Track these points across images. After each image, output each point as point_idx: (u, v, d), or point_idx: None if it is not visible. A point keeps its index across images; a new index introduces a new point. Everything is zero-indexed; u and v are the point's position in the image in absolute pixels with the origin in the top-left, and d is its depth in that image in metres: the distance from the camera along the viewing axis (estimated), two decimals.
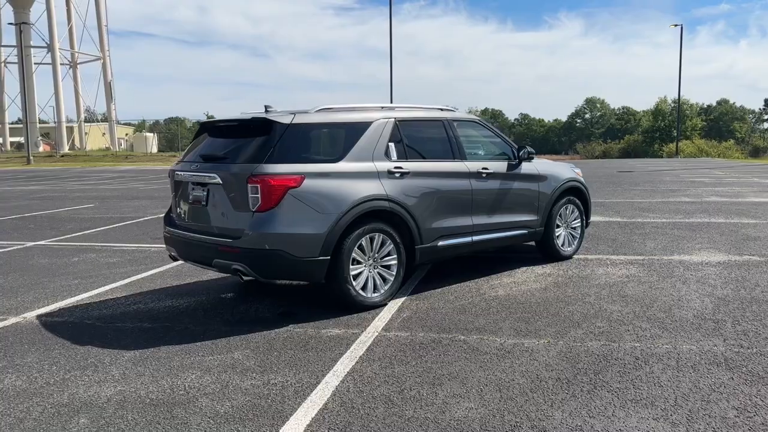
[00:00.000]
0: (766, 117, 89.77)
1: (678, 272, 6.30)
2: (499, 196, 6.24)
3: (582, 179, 7.29)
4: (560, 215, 6.93)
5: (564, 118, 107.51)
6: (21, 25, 50.67)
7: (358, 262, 5.11)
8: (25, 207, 14.51)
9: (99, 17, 65.40)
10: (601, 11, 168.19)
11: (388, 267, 5.32)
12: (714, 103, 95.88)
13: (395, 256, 5.33)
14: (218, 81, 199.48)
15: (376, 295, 5.21)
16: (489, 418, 3.18)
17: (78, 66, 66.57)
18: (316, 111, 5.27)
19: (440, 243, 5.68)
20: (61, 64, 61.62)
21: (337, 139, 5.35)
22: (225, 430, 3.13)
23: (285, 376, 3.79)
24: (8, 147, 64.24)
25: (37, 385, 3.74)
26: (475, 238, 6.04)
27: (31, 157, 48.17)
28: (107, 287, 6.22)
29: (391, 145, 5.43)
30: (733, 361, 3.87)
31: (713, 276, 6.10)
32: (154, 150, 65.64)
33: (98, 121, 72.57)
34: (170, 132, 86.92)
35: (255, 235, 4.71)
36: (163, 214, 6.07)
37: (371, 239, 5.16)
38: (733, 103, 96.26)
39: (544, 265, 6.73)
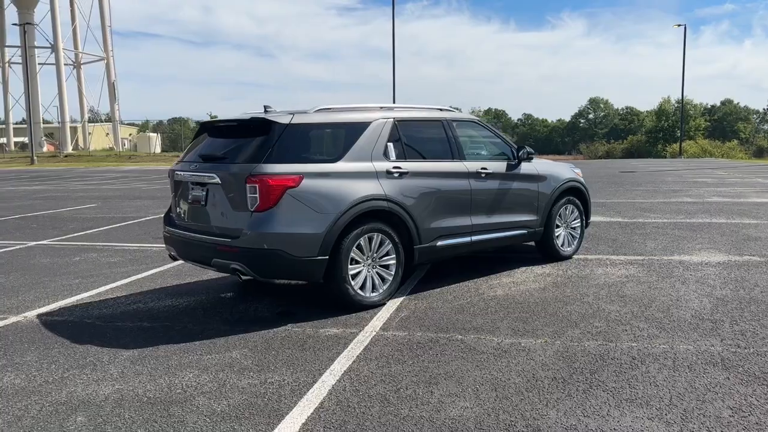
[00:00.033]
0: None
1: (677, 272, 6.30)
2: (498, 196, 6.25)
3: (582, 179, 7.29)
4: (560, 215, 6.94)
5: (567, 119, 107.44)
6: (25, 25, 50.78)
7: (357, 262, 5.12)
8: (28, 207, 14.57)
9: (103, 17, 65.63)
10: (604, 11, 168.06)
11: (386, 267, 5.33)
12: (718, 103, 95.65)
13: (394, 255, 5.34)
14: (222, 81, 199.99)
15: (374, 294, 5.23)
16: (484, 417, 3.19)
17: (82, 66, 66.83)
18: (315, 111, 5.28)
19: (439, 243, 5.69)
20: (65, 64, 61.83)
21: (336, 139, 5.37)
22: (221, 428, 3.14)
23: (282, 375, 3.80)
24: (12, 147, 64.46)
25: (35, 384, 3.77)
26: (474, 238, 6.05)
27: (35, 157, 48.33)
28: (108, 287, 6.25)
29: (390, 145, 5.44)
30: (730, 361, 3.88)
31: (712, 276, 6.10)
32: (158, 150, 65.79)
33: (102, 122, 72.76)
34: (174, 132, 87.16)
35: (253, 234, 4.72)
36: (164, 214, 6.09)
37: (370, 239, 5.17)
38: (737, 103, 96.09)
39: (544, 265, 6.74)
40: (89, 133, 67.26)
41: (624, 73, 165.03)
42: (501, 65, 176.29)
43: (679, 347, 4.13)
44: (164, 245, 5.84)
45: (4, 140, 66.72)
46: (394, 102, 35.79)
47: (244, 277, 4.94)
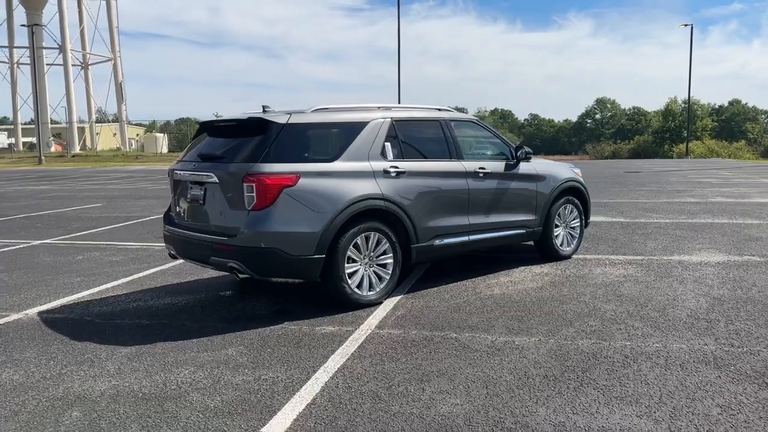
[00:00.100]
0: None
1: (676, 272, 6.30)
2: (496, 196, 6.27)
3: (581, 179, 7.30)
4: (559, 215, 6.95)
5: (574, 119, 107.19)
6: (33, 26, 51.15)
7: (354, 261, 5.15)
8: (34, 206, 14.69)
9: (110, 18, 66.02)
10: (610, 11, 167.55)
11: (383, 266, 5.36)
12: (726, 104, 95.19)
13: (391, 254, 5.37)
14: (230, 82, 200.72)
15: (371, 293, 5.26)
16: (473, 413, 3.21)
17: (89, 67, 67.24)
18: (313, 111, 5.32)
19: (436, 242, 5.72)
20: (72, 65, 62.29)
21: (334, 138, 5.41)
22: (214, 423, 3.18)
23: (276, 372, 3.84)
24: (20, 147, 64.93)
25: (33, 380, 3.82)
26: (472, 237, 6.07)
27: (43, 157, 48.67)
28: (109, 285, 6.31)
29: (388, 144, 5.47)
30: (723, 359, 3.89)
31: (711, 276, 6.10)
32: (165, 150, 66.11)
33: (109, 122, 73.13)
34: (181, 132, 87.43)
35: (250, 233, 4.77)
36: None
37: (367, 238, 5.20)
38: (746, 103, 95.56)
39: (542, 265, 6.75)
40: (96, 134, 67.63)
41: (630, 73, 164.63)
42: (506, 65, 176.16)
43: (673, 346, 4.14)
44: (164, 244, 5.90)
45: (12, 140, 67.27)
46: (399, 102, 35.81)
47: (241, 276, 4.99)
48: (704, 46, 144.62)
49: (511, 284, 5.93)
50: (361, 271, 5.21)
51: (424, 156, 5.84)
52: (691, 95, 47.02)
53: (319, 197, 4.92)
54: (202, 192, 5.15)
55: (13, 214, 12.97)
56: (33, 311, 5.37)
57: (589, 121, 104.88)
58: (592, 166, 31.40)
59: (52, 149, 60.56)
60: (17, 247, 8.83)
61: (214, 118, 5.58)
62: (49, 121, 63.12)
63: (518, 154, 6.53)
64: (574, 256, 7.15)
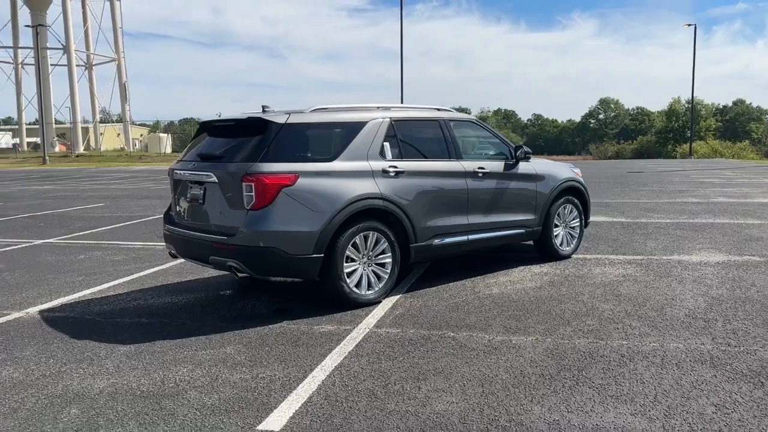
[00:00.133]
0: None
1: (675, 272, 6.30)
2: (495, 196, 6.28)
3: (581, 179, 7.30)
4: (558, 215, 6.95)
5: (577, 119, 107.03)
6: (37, 27, 51.36)
7: (353, 260, 5.17)
8: (37, 206, 14.75)
9: (114, 19, 66.19)
10: (614, 12, 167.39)
11: (382, 265, 5.38)
12: (730, 104, 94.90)
13: (390, 254, 5.38)
14: (233, 82, 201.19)
15: (370, 292, 5.28)
16: (468, 411, 3.23)
17: (93, 67, 67.44)
18: (311, 111, 5.35)
19: (435, 242, 5.74)
20: (76, 65, 62.44)
21: (332, 138, 5.43)
22: (210, 421, 3.21)
23: (274, 371, 3.86)
24: (25, 147, 65.17)
25: (33, 377, 3.85)
26: (471, 237, 6.08)
27: (47, 157, 48.82)
28: (110, 284, 6.35)
29: (386, 144, 5.49)
30: (719, 359, 3.89)
31: (710, 276, 6.10)
32: (168, 150, 66.21)
33: (113, 122, 73.34)
34: (184, 132, 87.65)
35: (249, 232, 4.79)
36: None
37: (365, 237, 5.22)
38: (750, 103, 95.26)
39: (542, 265, 6.76)
40: (100, 134, 67.85)
41: (634, 73, 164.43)
42: (510, 65, 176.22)
43: (669, 345, 4.15)
44: (164, 243, 5.93)
45: (17, 140, 67.47)
46: (402, 102, 35.81)
47: (240, 275, 5.01)
48: (708, 46, 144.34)
49: (510, 284, 5.94)
50: (359, 270, 5.23)
51: (423, 156, 5.86)
52: (694, 95, 47.05)
53: (317, 197, 4.94)
54: (202, 191, 5.17)
55: (17, 214, 13.03)
56: (34, 310, 5.41)
57: (592, 121, 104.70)
58: (595, 166, 31.38)
59: (57, 149, 60.77)
60: (20, 246, 8.88)
61: (214, 118, 5.60)
62: (53, 121, 63.31)
63: (517, 153, 6.54)
64: (574, 256, 7.15)
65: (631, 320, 4.71)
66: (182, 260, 6.17)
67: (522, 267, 6.66)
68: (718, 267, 6.49)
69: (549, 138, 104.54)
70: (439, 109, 6.32)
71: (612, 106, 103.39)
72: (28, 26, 53.01)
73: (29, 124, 69.74)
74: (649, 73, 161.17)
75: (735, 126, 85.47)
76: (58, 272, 6.98)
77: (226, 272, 5.73)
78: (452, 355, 4.05)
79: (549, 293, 5.55)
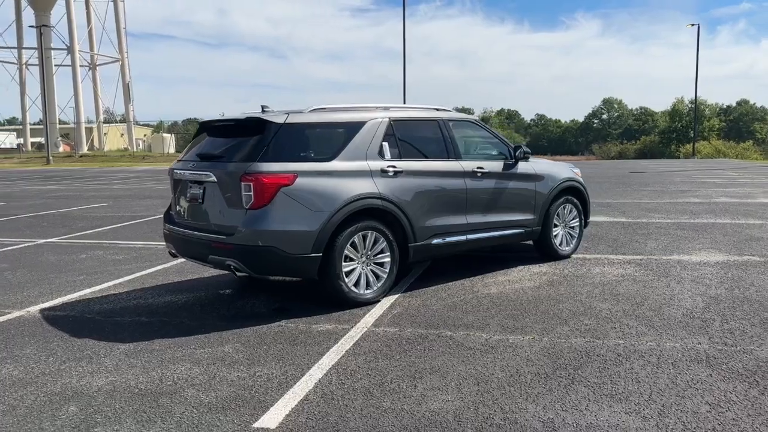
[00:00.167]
0: None
1: (674, 272, 6.30)
2: (494, 196, 6.30)
3: (580, 179, 7.31)
4: (558, 215, 6.96)
5: (581, 119, 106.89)
6: (41, 27, 51.52)
7: (351, 259, 5.19)
8: (40, 205, 14.81)
9: (117, 19, 66.34)
10: (618, 12, 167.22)
11: (381, 264, 5.39)
12: (734, 104, 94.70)
13: (388, 253, 5.40)
14: (237, 83, 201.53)
15: (368, 291, 5.30)
16: (463, 409, 3.25)
17: (97, 68, 67.63)
18: (310, 111, 5.37)
19: (434, 241, 5.75)
20: (80, 65, 62.65)
21: (331, 138, 5.45)
22: (207, 418, 3.23)
23: (271, 369, 3.89)
24: (29, 147, 65.34)
25: (32, 375, 3.88)
26: (470, 236, 6.10)
27: (51, 158, 48.96)
28: (111, 283, 6.38)
29: (385, 144, 5.50)
30: (715, 358, 3.90)
31: (709, 275, 6.10)
32: (172, 150, 66.31)
33: (117, 122, 73.53)
34: (188, 133, 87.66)
35: (248, 231, 4.81)
36: None
37: (364, 237, 5.24)
38: (754, 103, 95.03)
39: (541, 264, 6.77)
40: (104, 134, 68.00)
41: (638, 73, 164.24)
42: (513, 66, 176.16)
43: (666, 345, 4.16)
44: (164, 242, 5.96)
45: (21, 140, 67.71)
46: (404, 102, 35.85)
47: (239, 274, 5.03)
48: (713, 46, 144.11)
49: (509, 283, 5.96)
50: (358, 269, 5.25)
51: (422, 156, 5.87)
52: (698, 95, 46.92)
53: (316, 196, 4.96)
54: (201, 191, 5.20)
55: (20, 214, 13.09)
56: (35, 309, 5.44)
57: (596, 121, 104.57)
58: (598, 167, 31.35)
59: (60, 149, 60.94)
60: (22, 245, 8.92)
61: (213, 118, 5.63)
62: (57, 121, 63.54)
63: (516, 153, 6.55)
64: (574, 256, 7.16)
65: (629, 320, 4.72)
66: (182, 259, 6.20)
67: (521, 267, 6.67)
68: (717, 267, 6.49)
69: (552, 138, 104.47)
70: (438, 109, 6.33)
71: (615, 106, 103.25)
72: (32, 27, 53.27)
73: (33, 124, 70.00)
74: (654, 74, 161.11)
75: (739, 126, 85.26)
76: (59, 271, 7.01)
77: (226, 271, 5.76)
78: (449, 354, 4.06)
79: (547, 293, 5.57)
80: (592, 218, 8.73)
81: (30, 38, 63.51)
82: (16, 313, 5.31)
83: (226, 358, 4.11)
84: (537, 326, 4.61)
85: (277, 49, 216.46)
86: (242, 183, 4.82)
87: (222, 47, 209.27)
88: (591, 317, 4.80)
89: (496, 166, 6.38)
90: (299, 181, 4.91)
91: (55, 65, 63.46)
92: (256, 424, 3.15)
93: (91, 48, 65.86)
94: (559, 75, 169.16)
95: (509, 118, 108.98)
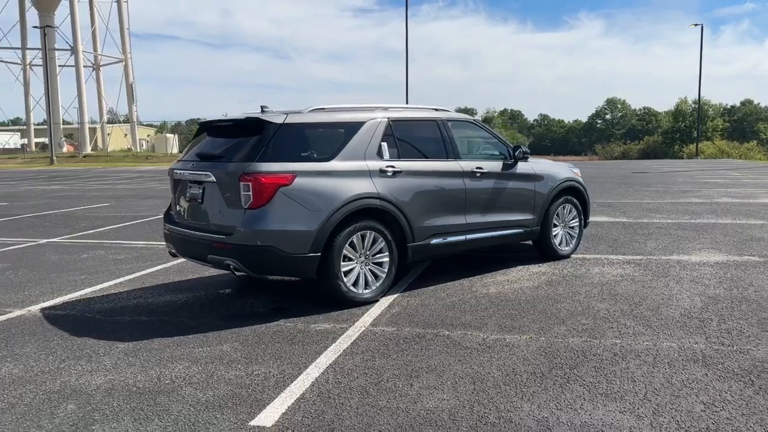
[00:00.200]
0: None
1: (673, 272, 6.31)
2: (493, 196, 6.31)
3: (580, 179, 7.32)
4: (557, 215, 6.97)
5: (584, 119, 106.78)
6: (45, 28, 51.64)
7: (350, 259, 5.21)
8: (43, 205, 14.87)
9: (121, 20, 66.61)
10: (621, 12, 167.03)
11: (379, 264, 5.41)
12: (738, 104, 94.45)
13: (387, 253, 5.42)
14: (240, 83, 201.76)
15: (367, 291, 5.32)
16: (458, 408, 3.26)
17: (101, 68, 67.90)
18: (309, 111, 5.39)
19: (433, 241, 5.77)
20: (84, 66, 62.83)
21: (330, 138, 5.47)
22: (204, 416, 3.25)
23: (268, 368, 3.91)
24: (33, 148, 65.60)
25: (32, 373, 3.91)
26: (469, 236, 6.11)
27: (55, 158, 49.13)
28: (111, 282, 6.41)
29: (384, 144, 5.52)
30: (711, 358, 3.91)
31: (708, 276, 6.10)
32: (175, 151, 66.49)
33: (120, 123, 73.74)
34: (191, 133, 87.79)
35: (247, 231, 4.84)
36: None
37: (362, 237, 5.26)
38: (758, 103, 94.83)
39: (541, 264, 6.78)
40: (108, 134, 68.27)
41: (642, 73, 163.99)
42: (516, 66, 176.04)
43: (663, 344, 4.16)
44: (164, 242, 5.99)
45: (25, 141, 67.96)
46: (407, 103, 35.87)
47: (238, 273, 5.06)
48: (716, 46, 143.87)
49: (508, 283, 5.97)
50: (357, 269, 5.27)
51: (420, 156, 5.89)
52: (702, 95, 46.79)
53: (314, 196, 4.99)
54: (201, 191, 5.23)
55: (23, 213, 13.15)
56: (36, 308, 5.48)
57: (599, 121, 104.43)
58: (600, 167, 31.32)
59: (64, 150, 61.13)
60: (24, 245, 8.97)
61: (213, 118, 5.65)
62: (61, 121, 63.76)
63: (516, 154, 6.56)
64: (573, 256, 7.17)
65: (626, 319, 4.73)
66: (183, 259, 6.23)
67: (520, 267, 6.68)
68: (717, 267, 6.49)
69: (555, 138, 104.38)
70: (437, 110, 6.35)
71: (619, 106, 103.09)
72: (36, 27, 53.35)
73: (37, 124, 70.19)
74: (657, 74, 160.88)
75: (743, 126, 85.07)
76: (61, 271, 7.05)
77: (226, 271, 5.79)
78: (446, 353, 4.08)
79: (546, 292, 5.58)
80: (593, 218, 8.75)
81: (34, 39, 63.95)
82: (17, 312, 5.34)
83: (224, 356, 4.14)
84: (534, 326, 4.62)
85: (280, 50, 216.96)
86: (241, 183, 4.84)
87: (225, 48, 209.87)
88: (589, 317, 4.81)
89: (495, 166, 6.40)
90: (298, 181, 4.93)
91: (59, 66, 63.73)
92: (253, 422, 3.17)
93: (95, 48, 66.11)
94: (563, 75, 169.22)
95: (512, 118, 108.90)
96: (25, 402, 3.49)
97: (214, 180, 5.06)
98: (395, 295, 5.56)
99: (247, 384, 3.66)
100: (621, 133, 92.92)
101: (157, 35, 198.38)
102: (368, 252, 5.33)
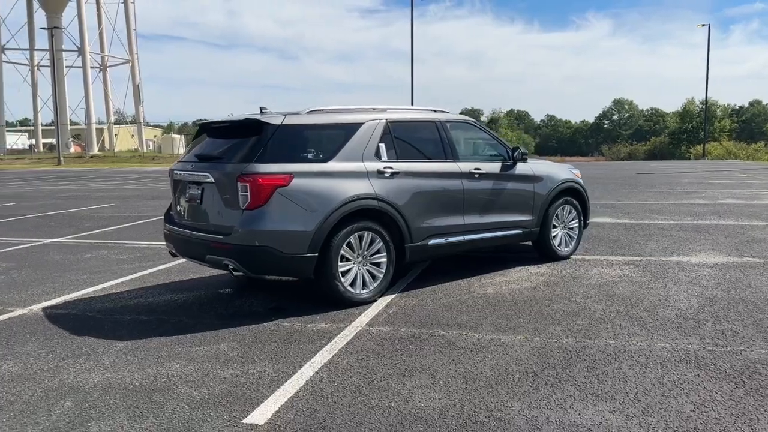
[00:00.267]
0: None
1: (672, 273, 6.31)
2: (492, 196, 6.33)
3: (580, 180, 7.33)
4: (557, 216, 6.98)
5: (591, 120, 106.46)
6: (53, 29, 51.98)
7: (347, 259, 5.25)
8: (50, 206, 14.99)
9: (128, 21, 66.98)
10: (630, 11, 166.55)
11: (377, 264, 5.45)
12: (746, 104, 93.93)
13: (385, 254, 5.46)
14: (246, 84, 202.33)
15: (364, 291, 5.35)
16: (449, 407, 3.29)
17: (108, 69, 68.31)
18: (307, 112, 5.43)
19: (431, 242, 5.80)
20: (91, 67, 63.35)
21: (328, 139, 5.51)
22: (198, 414, 3.30)
23: (264, 367, 3.95)
24: (41, 148, 66.04)
25: (31, 371, 3.97)
26: (468, 237, 6.14)
27: (62, 158, 49.45)
28: (113, 282, 6.48)
29: (382, 145, 5.56)
30: (704, 359, 3.92)
31: (707, 277, 6.10)
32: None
33: (127, 123, 74.12)
34: None
35: (244, 231, 4.88)
36: None
37: (360, 237, 5.30)
38: (766, 104, 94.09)
39: (540, 265, 6.80)
40: (115, 135, 68.62)
41: (650, 74, 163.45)
42: (525, 66, 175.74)
43: (656, 345, 4.18)
44: (164, 242, 6.05)
45: (32, 141, 68.43)
46: (412, 104, 35.95)
47: (236, 273, 5.10)
48: (725, 46, 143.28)
49: (505, 284, 5.99)
50: (354, 269, 5.31)
51: (419, 157, 5.92)
52: (710, 96, 46.72)
53: (312, 197, 5.03)
54: (200, 192, 5.28)
55: (29, 214, 13.27)
56: (37, 307, 5.55)
57: (606, 122, 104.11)
58: (606, 168, 31.26)
59: (72, 150, 61.52)
60: (29, 245, 9.06)
61: (213, 119, 5.71)
62: (68, 122, 64.19)
63: (515, 155, 6.59)
64: (573, 257, 7.18)
65: (622, 320, 4.75)
66: (183, 259, 6.28)
67: (519, 267, 6.70)
68: (716, 268, 6.49)
69: (562, 139, 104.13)
70: (435, 111, 6.38)
71: (626, 107, 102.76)
72: (43, 29, 53.78)
73: (45, 125, 70.72)
74: (666, 74, 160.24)
75: (751, 127, 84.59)
76: (63, 270, 7.12)
77: (225, 271, 5.84)
78: (440, 353, 4.11)
79: (543, 293, 5.60)
80: (594, 219, 8.76)
81: (42, 40, 64.23)
82: (19, 311, 5.41)
83: (221, 355, 4.18)
84: (529, 326, 4.64)
85: (287, 50, 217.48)
86: (239, 183, 4.89)
87: (232, 48, 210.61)
88: (584, 318, 4.83)
89: (494, 167, 6.42)
90: (295, 181, 4.97)
91: (67, 67, 64.17)
92: (246, 420, 3.21)
93: (102, 49, 66.52)
94: (570, 75, 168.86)
95: (519, 118, 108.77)
96: (24, 399, 3.54)
97: (213, 181, 5.11)
98: (393, 296, 5.60)
99: (242, 383, 3.70)
100: (628, 133, 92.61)
101: (163, 36, 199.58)
102: (366, 252, 5.36)
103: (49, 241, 9.40)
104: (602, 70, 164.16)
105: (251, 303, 5.53)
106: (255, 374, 3.83)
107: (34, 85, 66.24)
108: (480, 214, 6.23)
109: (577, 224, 7.26)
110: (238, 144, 5.18)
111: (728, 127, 64.16)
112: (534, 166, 6.84)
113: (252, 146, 5.04)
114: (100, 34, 66.04)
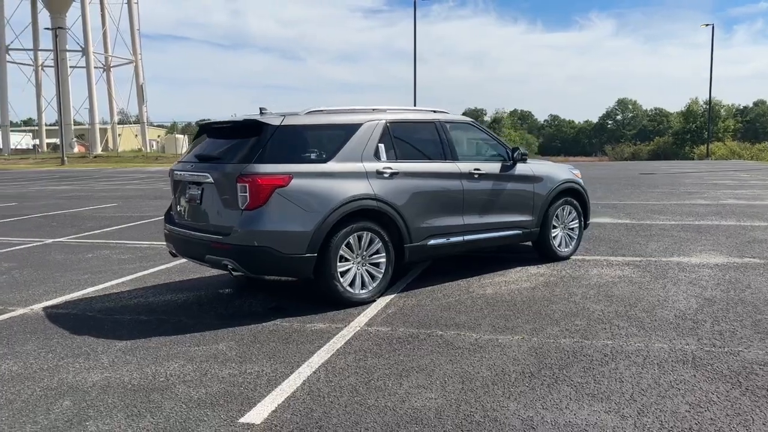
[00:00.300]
0: None
1: (672, 273, 6.31)
2: (491, 197, 6.34)
3: (580, 180, 7.33)
4: (557, 216, 6.99)
5: (595, 120, 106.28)
6: (57, 29, 52.24)
7: (346, 260, 5.26)
8: (52, 206, 15.05)
9: (132, 21, 67.15)
10: (633, 11, 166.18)
11: (376, 265, 5.46)
12: (750, 104, 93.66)
13: (384, 254, 5.47)
14: (250, 84, 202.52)
15: (363, 291, 5.36)
16: (445, 407, 3.30)
17: (111, 69, 68.46)
18: (306, 113, 5.45)
19: (430, 242, 5.81)
20: (95, 67, 63.44)
21: (327, 140, 5.52)
22: (195, 413, 3.32)
23: (262, 366, 3.97)
24: (45, 148, 66.26)
25: (30, 371, 3.99)
26: (467, 237, 6.15)
27: (66, 158, 49.61)
28: (114, 282, 6.50)
29: (381, 146, 5.57)
30: (701, 359, 3.92)
31: (706, 277, 6.10)
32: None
33: (131, 123, 74.30)
34: None
35: (244, 232, 4.90)
36: None
37: (359, 237, 5.31)
38: None
39: (539, 266, 6.80)
40: (118, 135, 68.80)
41: (654, 73, 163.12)
42: (528, 66, 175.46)
43: (654, 345, 4.18)
44: (165, 242, 6.07)
45: (36, 141, 68.65)
46: (414, 104, 35.98)
47: (236, 273, 5.12)
48: (729, 46, 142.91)
49: (505, 284, 6.00)
50: (353, 269, 5.32)
51: (418, 157, 5.94)
52: (713, 96, 46.61)
53: (311, 197, 5.04)
54: (200, 192, 5.30)
55: (31, 214, 13.32)
56: (38, 306, 5.57)
57: (610, 122, 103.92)
58: (609, 168, 31.23)
59: (75, 150, 61.72)
60: (31, 245, 9.10)
61: (213, 120, 5.73)
62: (72, 122, 64.34)
63: (515, 155, 6.59)
64: (573, 257, 7.18)
65: (620, 321, 4.75)
66: (184, 259, 6.31)
67: (519, 268, 6.71)
68: (716, 269, 6.48)
69: (566, 139, 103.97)
70: (435, 111, 6.39)
71: (630, 107, 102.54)
72: (48, 29, 53.93)
73: (49, 125, 70.91)
74: (670, 74, 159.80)
75: (755, 127, 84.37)
76: (65, 270, 7.16)
77: (225, 271, 5.86)
78: (437, 353, 4.12)
79: (542, 294, 5.60)
80: (595, 219, 8.76)
81: (46, 40, 64.44)
82: (20, 311, 5.44)
83: (219, 355, 4.20)
84: (527, 326, 4.65)
85: (290, 51, 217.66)
86: (238, 184, 4.91)
87: (235, 48, 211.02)
88: (583, 318, 4.83)
89: (494, 167, 6.43)
90: (294, 182, 4.99)
91: (70, 67, 64.32)
92: (242, 420, 3.23)
93: (106, 50, 66.67)
94: (574, 75, 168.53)
95: (522, 119, 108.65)
96: (23, 398, 3.57)
97: (212, 181, 5.13)
98: (392, 296, 5.61)
99: (240, 382, 3.72)
100: (632, 133, 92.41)
101: (167, 36, 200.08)
102: (365, 253, 5.38)
103: (51, 241, 9.45)
104: (606, 70, 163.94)
105: (250, 303, 5.54)
106: (253, 374, 3.84)
107: (38, 86, 66.44)
108: (479, 214, 6.23)
109: (577, 224, 7.26)
110: (238, 144, 5.20)
111: (732, 127, 63.99)
112: (534, 166, 6.84)
113: (251, 147, 5.06)
114: (104, 34, 66.22)
